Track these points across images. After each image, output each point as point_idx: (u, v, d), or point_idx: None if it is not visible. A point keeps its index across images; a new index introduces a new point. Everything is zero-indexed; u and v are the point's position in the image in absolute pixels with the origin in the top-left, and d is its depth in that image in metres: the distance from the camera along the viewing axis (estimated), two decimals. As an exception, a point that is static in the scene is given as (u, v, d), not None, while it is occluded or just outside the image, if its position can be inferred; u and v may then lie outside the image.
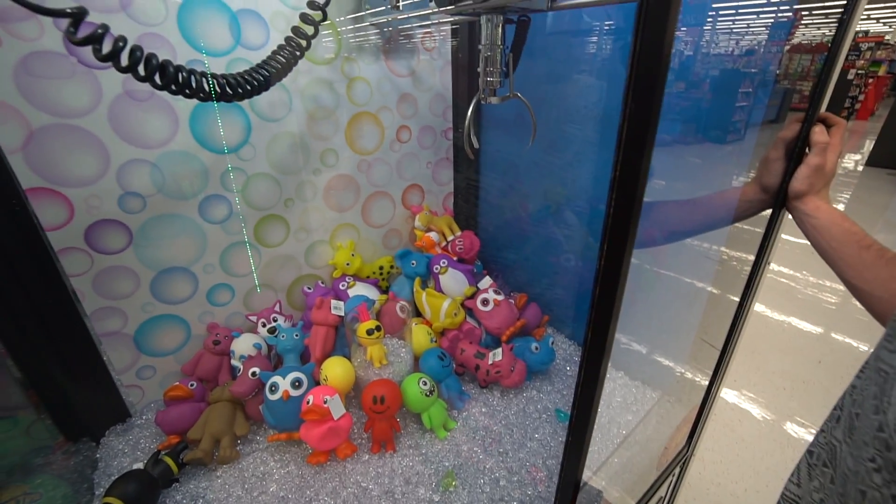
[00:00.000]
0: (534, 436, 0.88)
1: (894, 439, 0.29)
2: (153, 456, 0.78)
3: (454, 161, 1.29)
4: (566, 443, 0.50)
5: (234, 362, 0.94)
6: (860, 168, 5.94)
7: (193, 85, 0.63)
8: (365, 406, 0.83)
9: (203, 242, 0.92)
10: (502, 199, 1.27)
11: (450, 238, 1.20)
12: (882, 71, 10.70)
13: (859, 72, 9.43)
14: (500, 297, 1.04)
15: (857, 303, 0.59)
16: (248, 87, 0.71)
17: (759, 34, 1.00)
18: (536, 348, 0.96)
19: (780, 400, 2.05)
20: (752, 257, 0.85)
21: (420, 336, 0.97)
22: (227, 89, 0.68)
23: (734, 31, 1.00)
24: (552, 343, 0.99)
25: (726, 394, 2.08)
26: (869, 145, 6.26)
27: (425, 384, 0.86)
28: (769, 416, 1.96)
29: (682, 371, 1.11)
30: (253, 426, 0.90)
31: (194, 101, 0.80)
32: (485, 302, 1.03)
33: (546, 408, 0.94)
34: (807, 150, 0.65)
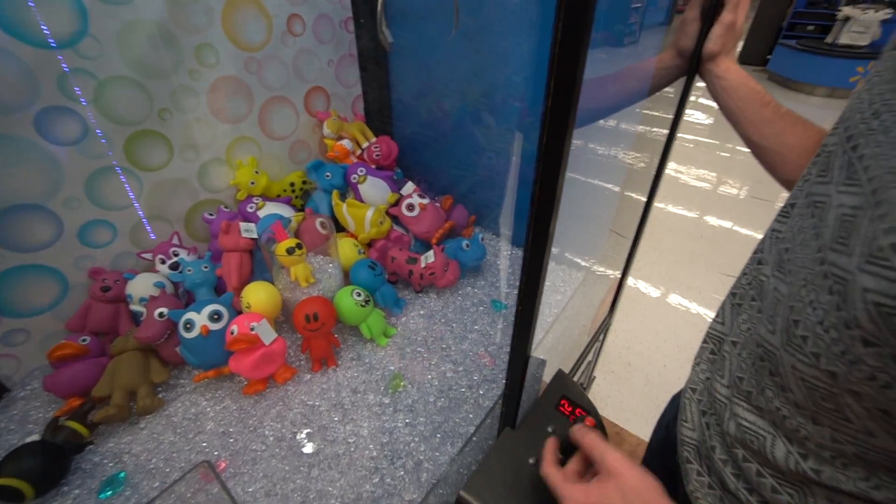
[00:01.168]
0: (473, 328, 0.90)
1: (828, 255, 0.30)
2: (51, 423, 0.67)
3: (359, 59, 1.15)
4: (515, 323, 0.50)
5: (134, 307, 0.82)
6: (731, 66, 6.54)
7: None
8: (298, 326, 0.77)
9: (55, 170, 0.74)
10: (417, 101, 1.18)
11: (364, 145, 1.10)
12: (750, -29, 11.48)
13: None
14: (426, 201, 1.00)
15: (757, 161, 0.64)
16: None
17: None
18: (467, 245, 0.96)
19: (673, 270, 2.38)
20: (657, 159, 0.90)
21: (347, 249, 0.91)
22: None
23: None
24: (482, 239, 1.00)
25: (631, 272, 2.36)
26: (739, 45, 6.87)
27: (359, 295, 0.82)
28: (664, 285, 2.28)
29: (601, 256, 1.20)
30: (174, 371, 0.81)
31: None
32: (410, 207, 0.99)
33: (482, 301, 0.96)
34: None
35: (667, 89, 0.79)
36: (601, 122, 0.97)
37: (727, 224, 2.81)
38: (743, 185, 3.33)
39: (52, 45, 0.68)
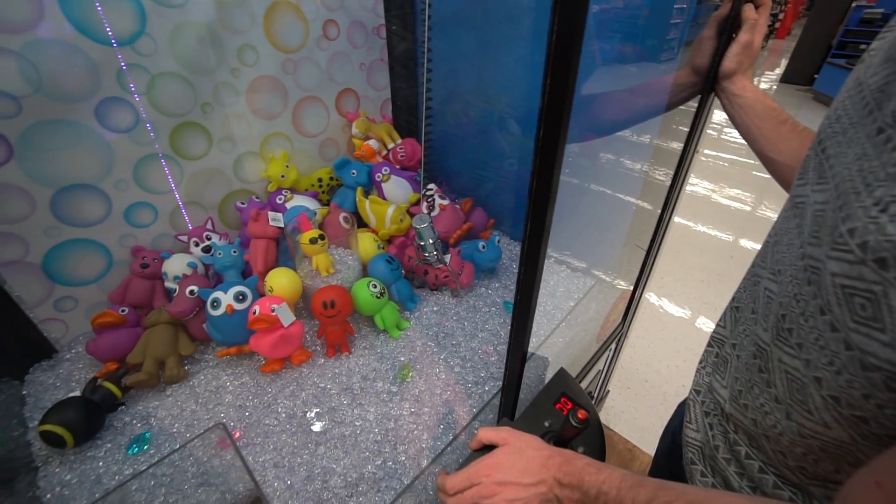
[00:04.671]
0: (484, 327, 0.92)
1: (807, 249, 0.32)
2: (90, 382, 0.73)
3: (390, 63, 1.20)
4: (513, 315, 0.53)
5: (169, 284, 0.88)
6: (775, 87, 6.35)
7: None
8: (315, 312, 0.82)
9: (109, 155, 0.81)
10: (444, 106, 1.22)
11: (390, 146, 1.15)
12: (801, -11, 11.12)
13: (781, -11, 9.74)
14: (446, 202, 1.04)
15: (772, 177, 0.64)
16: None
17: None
18: (483, 247, 0.98)
19: (699, 290, 2.32)
20: (671, 171, 0.91)
21: (367, 243, 0.95)
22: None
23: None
24: (498, 241, 1.02)
25: (654, 289, 2.31)
26: (784, 63, 6.65)
27: (375, 287, 0.86)
28: (689, 304, 2.22)
29: (614, 266, 1.20)
30: (200, 346, 0.87)
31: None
32: (430, 207, 1.02)
33: (495, 302, 0.98)
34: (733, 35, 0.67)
35: (690, 103, 0.80)
36: (619, 133, 0.98)
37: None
38: (781, 207, 3.21)
39: (113, 42, 0.76)
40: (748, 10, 0.66)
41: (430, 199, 1.04)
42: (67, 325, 0.86)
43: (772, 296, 0.39)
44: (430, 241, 0.85)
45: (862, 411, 0.29)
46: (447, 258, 0.95)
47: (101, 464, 0.66)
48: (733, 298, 0.52)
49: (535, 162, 0.37)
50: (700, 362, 0.57)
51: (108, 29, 0.75)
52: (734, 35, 0.67)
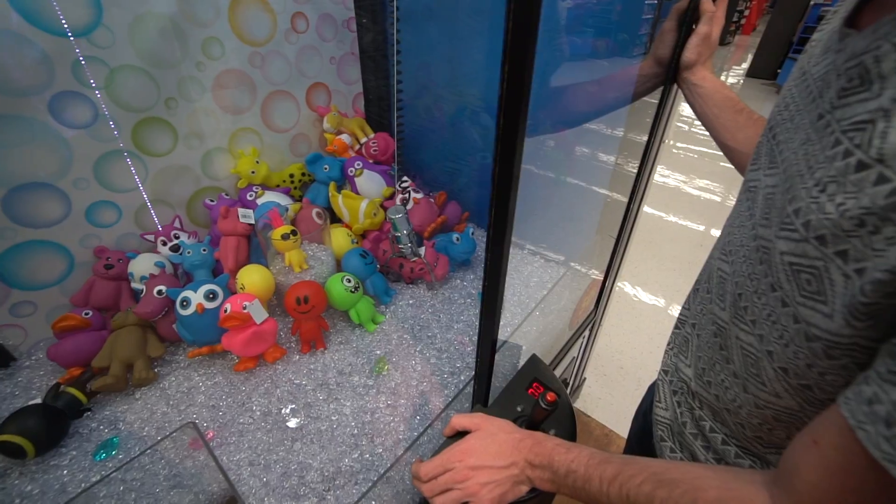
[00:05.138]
0: (460, 318, 0.93)
1: (758, 231, 0.34)
2: (52, 389, 0.71)
3: (361, 57, 1.19)
4: (482, 302, 0.53)
5: (136, 285, 0.86)
6: (741, 81, 6.56)
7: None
8: (289, 308, 0.81)
9: (66, 152, 0.78)
10: (415, 100, 1.21)
11: (363, 140, 1.14)
12: (764, -14, 11.50)
13: (746, -14, 10.05)
14: (420, 196, 1.04)
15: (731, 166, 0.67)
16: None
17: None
18: (458, 239, 0.99)
19: (671, 278, 2.39)
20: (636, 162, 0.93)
21: (340, 238, 0.95)
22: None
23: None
24: (472, 234, 1.03)
25: (628, 278, 2.37)
26: (750, 58, 6.88)
27: (349, 281, 0.85)
28: (662, 293, 2.29)
29: (585, 255, 1.22)
30: (170, 347, 0.85)
31: (7, -41, 0.63)
32: (404, 201, 1.02)
33: (469, 293, 0.99)
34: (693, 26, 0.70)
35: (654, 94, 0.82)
36: (589, 126, 1.00)
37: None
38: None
39: (68, 33, 0.73)
40: (706, 3, 0.68)
41: (405, 192, 1.04)
42: (26, 330, 0.83)
43: (725, 276, 0.41)
44: (405, 231, 0.85)
45: (806, 379, 0.31)
46: (422, 251, 0.96)
47: (65, 472, 0.64)
48: (696, 282, 0.54)
49: (496, 148, 0.37)
50: (668, 344, 0.59)
51: (61, 18, 0.72)
52: (694, 27, 0.69)
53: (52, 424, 0.66)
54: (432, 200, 1.07)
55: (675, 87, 0.77)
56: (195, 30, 0.88)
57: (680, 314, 0.57)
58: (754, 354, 0.36)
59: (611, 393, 1.76)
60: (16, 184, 0.74)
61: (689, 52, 0.69)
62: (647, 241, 2.64)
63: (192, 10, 0.86)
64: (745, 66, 7.07)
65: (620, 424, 1.60)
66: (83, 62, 0.76)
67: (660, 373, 0.60)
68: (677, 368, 0.53)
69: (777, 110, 0.37)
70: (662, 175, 3.65)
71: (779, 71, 5.96)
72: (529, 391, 0.62)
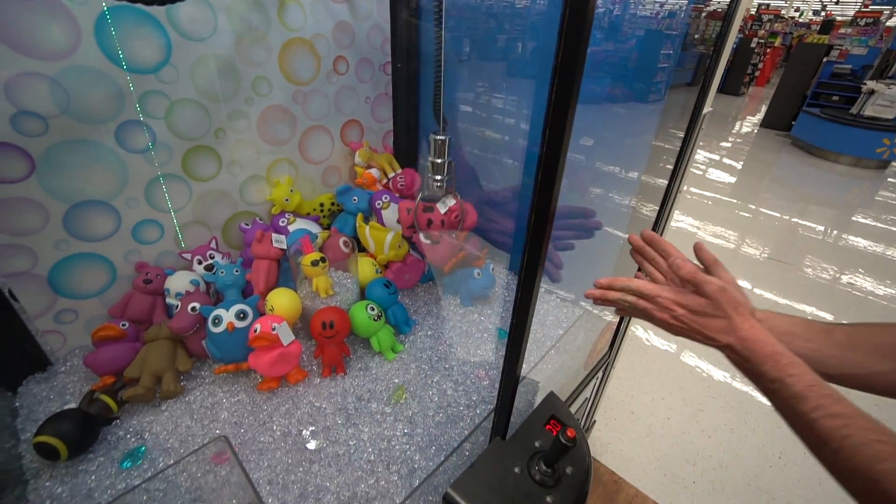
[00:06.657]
0: (476, 352, 0.95)
1: None
2: (87, 395, 0.74)
3: (394, 98, 1.27)
4: (508, 339, 0.56)
5: (170, 300, 0.90)
6: (756, 131, 6.67)
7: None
8: (314, 332, 0.84)
9: (123, 174, 0.85)
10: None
11: (391, 175, 1.20)
12: (778, 42, 11.85)
13: (760, 41, 10.37)
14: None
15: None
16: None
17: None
18: (479, 274, 1.03)
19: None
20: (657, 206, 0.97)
21: (365, 267, 0.99)
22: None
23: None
24: (492, 269, 1.06)
25: (641, 322, 2.36)
26: (764, 109, 7.02)
27: (373, 310, 0.89)
28: (674, 339, 2.27)
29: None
30: (197, 362, 0.88)
31: (97, 7, 0.72)
32: (427, 236, 1.07)
33: (487, 328, 1.02)
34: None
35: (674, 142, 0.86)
36: (607, 170, 1.05)
37: (745, 285, 2.80)
38: (764, 246, 3.32)
39: (140, 70, 0.81)
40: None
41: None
42: (66, 337, 0.87)
43: None
44: (440, 160, 0.80)
45: None
46: (450, 199, 0.96)
47: (93, 477, 0.67)
48: None
49: (533, 199, 0.41)
50: None
51: (135, 58, 0.80)
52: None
53: (85, 429, 0.69)
54: (454, 236, 1.12)
55: (696, 134, 0.80)
56: (248, 69, 0.96)
57: None
58: None
59: (620, 438, 1.73)
60: (78, 200, 0.80)
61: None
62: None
63: (248, 52, 0.94)
64: (760, 116, 7.20)
65: (630, 472, 1.56)
66: (148, 95, 0.84)
67: None
68: None
69: None
70: (677, 220, 3.68)
71: (793, 123, 6.05)
72: (547, 427, 0.63)
